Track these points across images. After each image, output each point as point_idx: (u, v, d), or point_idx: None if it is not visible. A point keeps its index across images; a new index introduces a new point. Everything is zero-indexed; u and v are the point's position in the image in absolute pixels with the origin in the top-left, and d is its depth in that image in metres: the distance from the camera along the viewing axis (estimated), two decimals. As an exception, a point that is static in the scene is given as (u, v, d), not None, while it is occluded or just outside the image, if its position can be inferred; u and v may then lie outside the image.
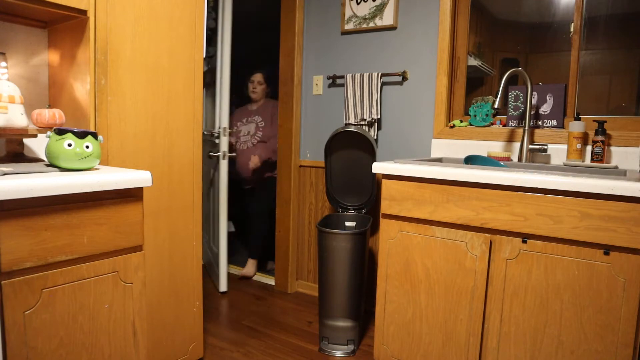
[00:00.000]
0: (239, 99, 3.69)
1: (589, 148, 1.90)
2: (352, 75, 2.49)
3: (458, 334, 1.65)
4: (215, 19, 2.92)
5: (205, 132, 3.02)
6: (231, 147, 3.17)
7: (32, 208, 1.06)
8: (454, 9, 2.25)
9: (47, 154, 1.22)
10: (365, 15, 2.48)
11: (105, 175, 1.20)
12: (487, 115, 2.19)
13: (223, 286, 2.84)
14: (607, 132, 1.88)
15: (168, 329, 1.77)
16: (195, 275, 1.85)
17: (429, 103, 2.34)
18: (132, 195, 1.29)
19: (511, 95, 2.12)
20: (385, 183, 1.77)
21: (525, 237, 1.50)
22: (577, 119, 1.89)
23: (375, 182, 2.36)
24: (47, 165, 1.29)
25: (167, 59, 1.68)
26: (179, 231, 1.77)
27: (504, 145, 2.11)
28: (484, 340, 1.60)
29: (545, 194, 1.46)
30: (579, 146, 1.87)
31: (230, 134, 3.00)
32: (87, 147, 1.23)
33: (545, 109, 2.04)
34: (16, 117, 1.32)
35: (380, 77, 2.40)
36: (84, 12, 1.42)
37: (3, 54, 1.50)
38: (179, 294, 1.80)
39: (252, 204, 3.27)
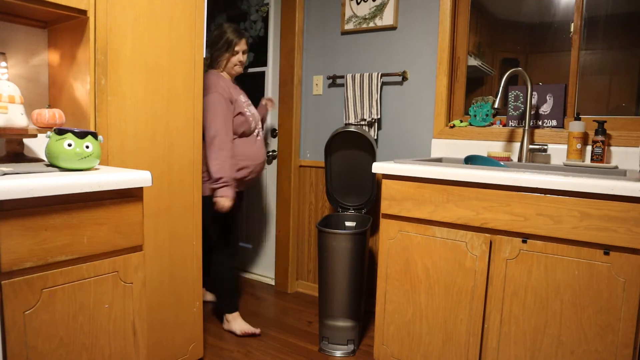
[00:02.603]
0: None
1: (589, 148, 1.90)
2: (352, 75, 2.49)
3: (458, 334, 1.65)
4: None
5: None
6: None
7: (32, 208, 1.06)
8: (454, 9, 2.25)
9: (47, 154, 1.22)
10: (365, 15, 2.48)
11: (105, 175, 1.20)
12: (487, 115, 2.19)
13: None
14: (607, 132, 1.88)
15: (168, 329, 1.77)
16: (195, 275, 1.85)
17: (429, 103, 2.34)
18: (132, 195, 1.29)
19: (511, 95, 2.12)
20: (385, 183, 1.77)
21: (525, 237, 1.50)
22: (577, 119, 1.89)
23: (375, 182, 2.36)
24: (47, 165, 1.29)
25: (167, 58, 1.68)
26: (179, 231, 1.77)
27: (504, 145, 2.11)
28: (484, 340, 1.60)
29: (545, 194, 1.46)
30: (579, 146, 1.87)
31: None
32: (87, 147, 1.23)
33: (545, 109, 2.04)
34: (16, 117, 1.32)
35: (380, 77, 2.40)
36: (84, 12, 1.42)
37: (3, 54, 1.50)
38: (179, 294, 1.80)
39: (235, 220, 2.36)
